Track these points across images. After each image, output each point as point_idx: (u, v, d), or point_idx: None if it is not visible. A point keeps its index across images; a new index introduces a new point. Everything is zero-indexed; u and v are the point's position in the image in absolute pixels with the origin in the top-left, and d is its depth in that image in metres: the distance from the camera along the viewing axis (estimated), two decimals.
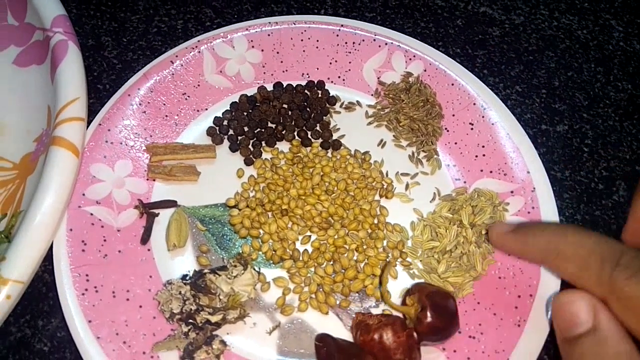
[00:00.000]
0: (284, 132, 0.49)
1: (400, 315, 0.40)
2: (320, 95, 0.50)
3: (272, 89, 0.51)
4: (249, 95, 0.50)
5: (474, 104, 0.48)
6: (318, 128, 0.49)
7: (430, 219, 0.45)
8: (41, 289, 0.42)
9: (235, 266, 0.40)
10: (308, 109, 0.50)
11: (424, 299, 0.38)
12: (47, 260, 0.41)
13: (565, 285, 0.43)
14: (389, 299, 0.40)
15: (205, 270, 0.40)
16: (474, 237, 0.43)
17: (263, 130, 0.49)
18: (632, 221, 0.37)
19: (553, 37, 0.58)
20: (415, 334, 0.38)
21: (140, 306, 0.40)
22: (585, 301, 0.32)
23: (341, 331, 0.41)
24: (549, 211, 0.44)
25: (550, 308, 0.36)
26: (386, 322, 0.37)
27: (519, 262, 0.42)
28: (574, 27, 0.59)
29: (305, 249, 0.44)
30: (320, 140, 0.49)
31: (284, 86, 0.51)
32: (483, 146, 0.47)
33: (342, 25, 0.52)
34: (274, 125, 0.49)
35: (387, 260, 0.43)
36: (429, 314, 0.37)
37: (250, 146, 0.48)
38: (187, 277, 0.41)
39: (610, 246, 0.32)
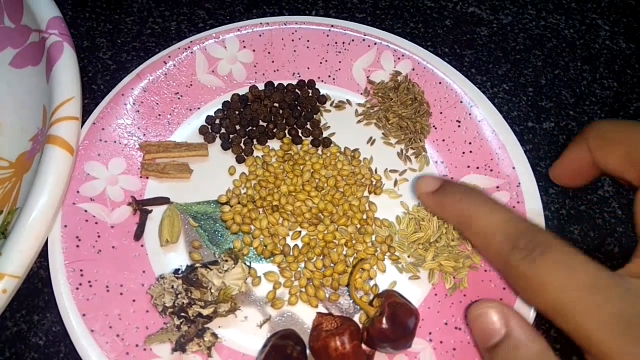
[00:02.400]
0: (275, 130, 0.50)
1: (359, 320, 0.41)
2: (310, 94, 0.51)
3: (263, 88, 0.52)
4: (240, 94, 0.51)
5: (461, 101, 0.49)
6: (308, 126, 0.50)
7: (415, 211, 0.46)
8: (37, 285, 0.43)
9: (226, 260, 0.41)
10: (299, 108, 0.51)
11: (386, 306, 0.39)
12: (43, 257, 0.41)
13: None
14: (355, 294, 0.41)
15: (197, 265, 0.41)
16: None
17: (254, 128, 0.50)
18: (562, 162, 0.42)
19: (540, 37, 0.59)
20: (363, 345, 0.39)
21: (134, 300, 0.41)
22: (496, 311, 0.35)
23: None
24: (534, 206, 0.45)
25: (469, 325, 0.37)
26: (335, 332, 0.38)
27: None
28: (561, 27, 0.60)
29: (296, 244, 0.45)
30: (310, 138, 0.50)
31: (275, 85, 0.52)
32: (470, 143, 0.48)
33: (332, 26, 0.53)
34: (265, 124, 0.50)
35: (365, 258, 0.44)
36: (384, 321, 0.38)
37: (241, 144, 0.49)
38: (179, 272, 0.42)
39: (513, 226, 0.35)
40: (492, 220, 0.36)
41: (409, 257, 0.44)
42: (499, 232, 0.35)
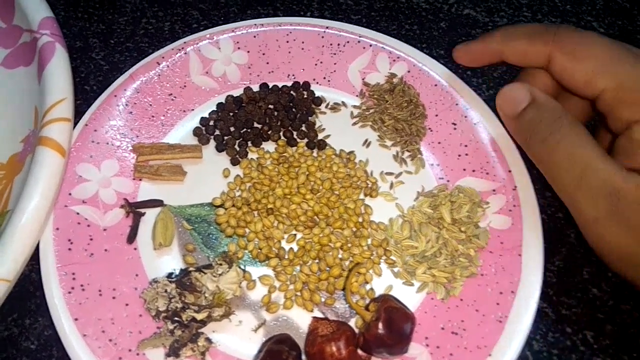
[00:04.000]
0: (269, 133, 0.49)
1: (355, 325, 0.41)
2: (305, 96, 0.51)
3: (258, 89, 0.51)
4: (235, 96, 0.51)
5: (457, 104, 0.49)
6: (304, 128, 0.50)
7: (410, 213, 0.46)
8: (28, 288, 0.42)
9: (220, 264, 0.41)
10: (294, 110, 0.51)
11: (382, 311, 0.38)
12: (34, 260, 0.41)
13: (547, 296, 0.44)
14: (350, 298, 0.40)
15: (191, 269, 0.40)
16: (461, 233, 0.44)
17: (249, 130, 0.49)
18: (474, 48, 0.47)
19: None
20: (360, 351, 0.38)
21: (127, 304, 0.40)
22: (522, 85, 0.42)
23: None
24: (530, 209, 0.45)
25: (496, 102, 0.43)
26: (331, 337, 0.38)
27: (501, 259, 0.43)
28: None
29: (291, 248, 0.44)
30: (305, 140, 0.49)
31: (270, 87, 0.51)
32: (466, 145, 0.48)
33: (327, 27, 0.52)
34: (260, 126, 0.50)
35: (362, 262, 0.44)
36: (380, 326, 0.37)
37: (236, 146, 0.49)
38: (173, 275, 0.41)
39: (545, 24, 0.44)
40: (528, 25, 0.44)
41: (402, 266, 0.44)
42: (539, 27, 0.43)
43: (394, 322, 0.38)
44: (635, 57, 0.39)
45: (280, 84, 0.51)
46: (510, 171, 0.46)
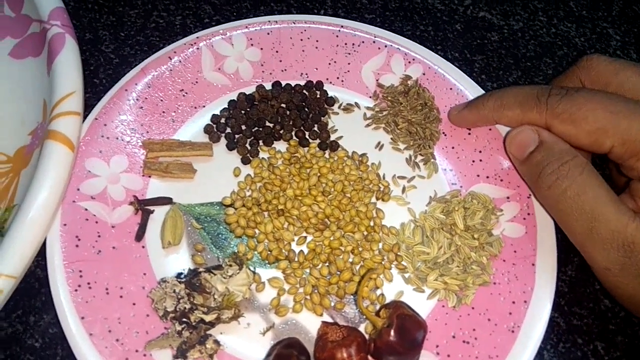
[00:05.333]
0: (281, 132, 0.48)
1: (365, 331, 0.40)
2: (318, 96, 0.50)
3: (270, 88, 0.50)
4: (247, 93, 0.50)
5: None
6: (316, 129, 0.49)
7: (422, 219, 0.45)
8: (33, 285, 0.42)
9: (230, 265, 0.40)
10: (306, 109, 0.50)
11: (394, 318, 0.37)
12: (40, 256, 0.40)
13: (559, 306, 0.44)
14: (362, 304, 0.40)
15: (200, 269, 0.40)
16: (474, 240, 0.43)
17: (261, 129, 0.48)
18: (466, 113, 0.47)
19: (551, 44, 0.59)
20: (370, 358, 0.38)
21: (134, 304, 0.40)
22: (529, 128, 0.42)
23: None
24: (544, 217, 0.44)
25: (505, 145, 0.44)
26: (342, 343, 0.37)
27: (514, 268, 0.42)
28: (571, 35, 0.60)
29: (301, 250, 0.44)
30: (317, 140, 0.49)
31: (283, 85, 0.50)
32: (480, 151, 0.47)
33: (342, 26, 0.52)
34: (271, 125, 0.49)
35: (374, 268, 0.43)
36: (392, 333, 0.37)
37: (247, 145, 0.48)
38: (182, 276, 0.41)
39: (541, 87, 0.42)
40: (521, 91, 0.43)
41: (413, 272, 0.43)
42: (531, 95, 0.42)
43: (406, 330, 0.37)
44: (634, 106, 0.38)
45: (293, 83, 0.51)
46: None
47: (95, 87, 0.50)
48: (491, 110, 0.44)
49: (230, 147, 0.47)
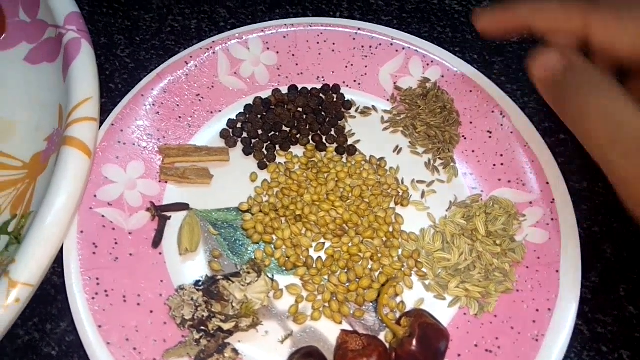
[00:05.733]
0: (298, 136, 0.48)
1: (384, 339, 0.40)
2: (335, 99, 0.50)
3: (286, 91, 0.50)
4: (263, 97, 0.49)
5: (493, 111, 0.48)
6: (333, 133, 0.48)
7: (442, 224, 0.44)
8: (50, 292, 0.41)
9: (248, 273, 0.40)
10: (323, 113, 0.49)
11: (416, 327, 0.37)
12: (56, 262, 0.40)
13: (582, 314, 0.43)
14: (382, 312, 0.39)
15: (219, 277, 0.39)
16: (496, 246, 0.42)
17: (277, 133, 0.48)
18: (498, 11, 0.41)
19: None
20: None
21: (151, 311, 0.39)
22: (556, 50, 0.37)
23: None
24: (568, 223, 0.43)
25: (529, 69, 0.39)
26: (363, 353, 0.37)
27: (537, 275, 0.42)
28: None
29: (319, 257, 0.43)
30: (335, 145, 0.48)
31: (299, 89, 0.50)
32: (501, 155, 0.46)
33: (359, 29, 0.51)
34: (288, 129, 0.48)
35: (394, 275, 0.42)
36: (414, 342, 0.36)
37: (264, 150, 0.47)
38: (200, 283, 0.40)
39: None
40: None
41: (433, 279, 0.43)
42: None
43: (429, 339, 0.37)
44: None
45: (309, 87, 0.50)
46: (548, 183, 0.44)
47: (111, 92, 0.50)
48: (528, 8, 0.40)
49: (246, 152, 0.47)
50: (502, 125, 0.47)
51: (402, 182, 0.47)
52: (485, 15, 0.42)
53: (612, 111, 0.35)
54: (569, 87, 0.37)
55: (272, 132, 0.48)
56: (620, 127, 0.35)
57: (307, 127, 0.48)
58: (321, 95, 0.50)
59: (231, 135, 0.47)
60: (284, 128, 0.48)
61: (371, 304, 0.42)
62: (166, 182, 0.45)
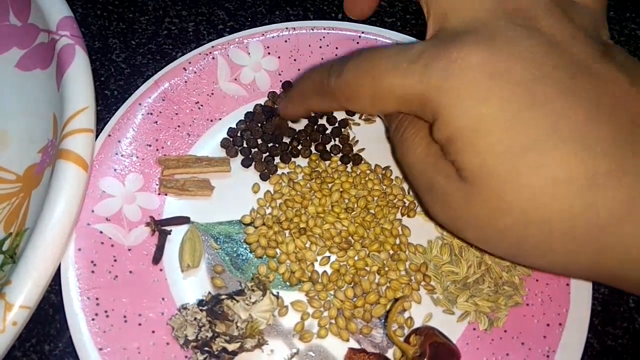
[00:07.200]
0: (299, 148, 0.46)
1: (393, 357, 0.39)
2: None
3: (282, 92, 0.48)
4: (263, 104, 0.48)
5: None
6: (337, 142, 0.47)
7: (450, 236, 0.43)
8: (47, 311, 0.40)
9: (253, 291, 0.39)
10: (326, 121, 0.48)
11: (427, 347, 0.36)
12: (54, 280, 0.38)
13: (592, 326, 0.42)
14: (391, 331, 0.38)
15: (223, 296, 0.38)
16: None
17: (277, 145, 0.46)
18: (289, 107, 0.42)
19: None
20: None
21: (153, 331, 0.38)
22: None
23: None
24: None
25: None
26: None
27: (548, 289, 0.41)
28: None
29: (325, 271, 0.42)
30: (340, 154, 0.47)
31: None
32: None
33: (362, 32, 0.50)
34: (288, 140, 0.47)
35: (405, 295, 0.41)
36: None
37: (263, 160, 0.46)
38: (203, 302, 0.39)
39: (326, 65, 0.37)
40: (315, 72, 0.37)
41: (442, 293, 0.42)
42: (320, 73, 0.36)
43: (440, 359, 0.36)
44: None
45: None
46: None
47: (106, 100, 0.49)
48: (299, 103, 0.40)
49: (245, 164, 0.45)
50: None
51: (408, 192, 0.45)
52: (285, 106, 0.43)
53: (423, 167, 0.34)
54: (395, 144, 0.37)
55: (272, 144, 0.46)
56: (431, 180, 0.34)
57: (307, 138, 0.47)
58: None
59: (232, 144, 0.46)
60: (284, 140, 0.47)
61: (378, 320, 0.41)
62: (166, 195, 0.43)
